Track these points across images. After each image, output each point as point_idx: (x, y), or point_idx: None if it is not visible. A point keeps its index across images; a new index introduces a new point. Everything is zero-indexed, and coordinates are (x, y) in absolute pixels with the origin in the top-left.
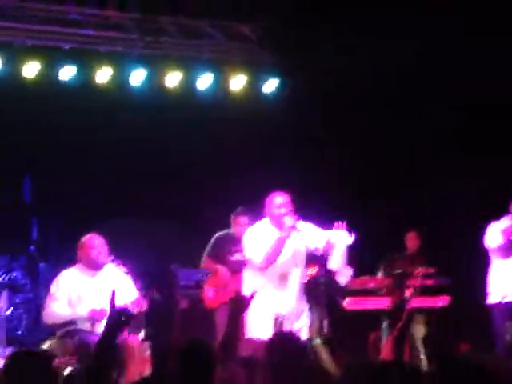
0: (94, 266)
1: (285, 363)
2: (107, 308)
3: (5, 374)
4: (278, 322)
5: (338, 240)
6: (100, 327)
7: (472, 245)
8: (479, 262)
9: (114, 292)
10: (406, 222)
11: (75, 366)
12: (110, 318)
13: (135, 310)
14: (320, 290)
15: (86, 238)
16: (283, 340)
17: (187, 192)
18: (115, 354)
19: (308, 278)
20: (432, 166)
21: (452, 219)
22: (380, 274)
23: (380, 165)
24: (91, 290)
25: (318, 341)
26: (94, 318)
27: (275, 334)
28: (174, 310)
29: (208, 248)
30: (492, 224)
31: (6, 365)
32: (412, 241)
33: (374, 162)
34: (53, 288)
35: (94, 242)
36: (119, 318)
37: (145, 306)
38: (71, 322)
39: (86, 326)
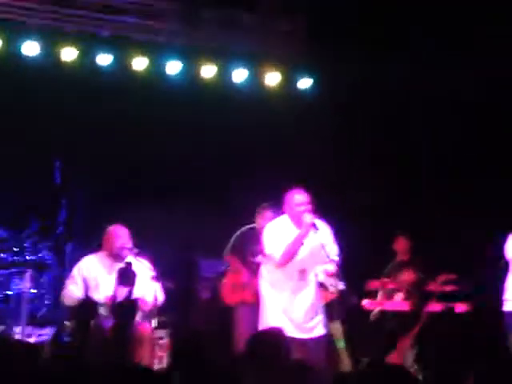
0: (116, 257)
1: (265, 358)
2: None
3: None
4: None
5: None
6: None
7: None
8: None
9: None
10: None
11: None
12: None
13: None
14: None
15: (112, 228)
16: (266, 335)
17: (214, 182)
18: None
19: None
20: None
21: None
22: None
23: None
24: (110, 278)
25: (342, 344)
26: (110, 304)
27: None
28: (194, 300)
29: (231, 243)
30: None
31: None
32: (401, 245)
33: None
34: (74, 271)
35: (119, 234)
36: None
37: (160, 297)
38: None
39: (102, 311)
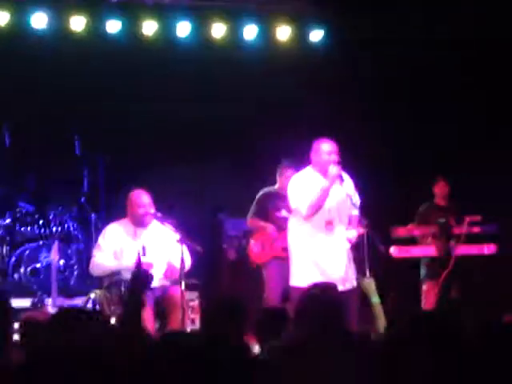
0: (140, 223)
1: (319, 313)
2: (151, 262)
3: None
4: None
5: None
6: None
7: None
8: None
9: (139, 252)
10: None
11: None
12: (134, 278)
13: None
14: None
15: (134, 194)
16: (320, 290)
17: (236, 141)
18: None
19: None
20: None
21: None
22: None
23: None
24: (135, 245)
25: (376, 299)
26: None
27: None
28: (221, 261)
29: (253, 206)
30: None
31: None
32: (441, 188)
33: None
34: (100, 239)
35: (141, 200)
36: (143, 278)
37: (188, 260)
38: (116, 273)
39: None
